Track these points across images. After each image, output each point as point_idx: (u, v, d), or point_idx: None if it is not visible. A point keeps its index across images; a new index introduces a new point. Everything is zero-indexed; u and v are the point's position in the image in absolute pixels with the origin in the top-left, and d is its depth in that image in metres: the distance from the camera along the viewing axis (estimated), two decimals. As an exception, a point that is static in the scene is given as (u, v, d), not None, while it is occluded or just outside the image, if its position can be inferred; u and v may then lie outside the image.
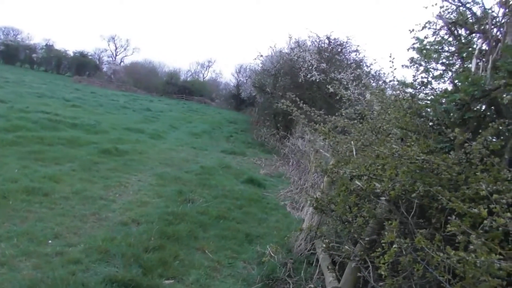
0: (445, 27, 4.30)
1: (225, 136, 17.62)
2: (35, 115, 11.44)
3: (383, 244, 2.42)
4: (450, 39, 4.56)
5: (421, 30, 4.70)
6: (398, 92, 3.94)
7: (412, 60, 4.89)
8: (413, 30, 4.60)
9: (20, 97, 16.58)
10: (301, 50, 15.71)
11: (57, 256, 3.62)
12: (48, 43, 62.54)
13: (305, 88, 14.75)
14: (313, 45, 16.56)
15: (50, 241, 3.91)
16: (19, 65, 58.31)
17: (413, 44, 4.82)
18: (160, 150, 10.58)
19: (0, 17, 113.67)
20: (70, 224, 4.45)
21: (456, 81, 3.09)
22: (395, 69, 3.77)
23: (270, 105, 17.75)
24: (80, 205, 5.10)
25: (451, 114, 2.90)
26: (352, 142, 3.32)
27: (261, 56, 17.97)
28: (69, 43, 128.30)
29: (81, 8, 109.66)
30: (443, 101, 3.01)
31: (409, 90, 4.78)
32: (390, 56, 3.66)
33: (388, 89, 8.15)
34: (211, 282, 3.75)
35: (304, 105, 3.93)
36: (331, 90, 14.01)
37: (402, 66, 5.03)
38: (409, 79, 5.27)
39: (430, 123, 3.15)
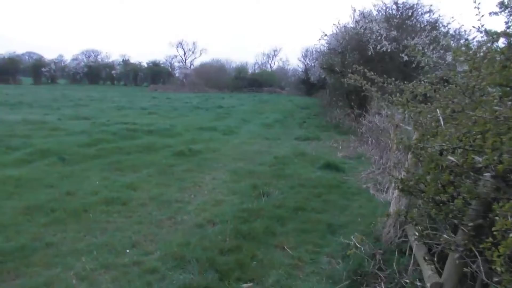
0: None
1: (298, 123, 17.23)
2: (115, 126, 12.08)
3: (494, 232, 1.91)
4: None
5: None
6: (489, 44, 3.27)
7: (502, 4, 4.07)
8: (499, -34, 3.80)
9: (102, 112, 17.74)
10: (367, 21, 14.69)
11: (134, 266, 3.58)
12: (124, 59, 67.02)
13: (376, 61, 13.77)
14: (380, 13, 15.44)
15: (128, 251, 3.91)
16: (102, 83, 63.33)
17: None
18: (233, 145, 10.53)
19: (82, 41, 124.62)
20: (147, 231, 4.45)
21: None
22: (482, 16, 3.09)
23: (341, 85, 16.87)
24: (157, 211, 5.12)
25: None
26: (438, 110, 2.77)
27: (325, 35, 17.15)
28: (142, 55, 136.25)
29: (149, 20, 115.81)
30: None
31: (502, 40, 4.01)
32: (475, 2, 3.00)
33: (473, 45, 7.13)
34: (292, 282, 3.46)
35: (374, 75, 3.42)
36: (406, 58, 12.98)
37: (490, 13, 4.21)
38: (500, 29, 4.45)
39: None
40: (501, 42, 4.06)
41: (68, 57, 65.27)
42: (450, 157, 2.52)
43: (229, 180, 6.80)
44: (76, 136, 10.15)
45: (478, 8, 3.07)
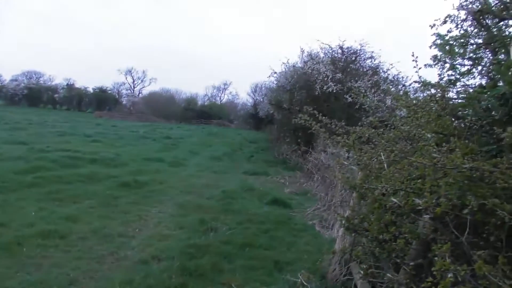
0: (470, 18, 3.93)
1: (246, 157, 17.38)
2: (55, 154, 11.44)
3: (433, 272, 2.04)
4: (475, 30, 4.18)
5: (442, 24, 4.34)
6: (425, 93, 3.58)
7: (435, 58, 4.52)
8: (433, 25, 4.24)
9: (42, 137, 16.81)
10: (315, 63, 15.47)
11: (71, 306, 3.35)
12: (68, 83, 64.68)
13: (322, 100, 14.43)
14: (326, 56, 16.33)
15: (65, 290, 3.65)
16: (42, 106, 60.30)
17: (435, 41, 4.46)
18: (180, 178, 10.36)
19: (23, 62, 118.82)
20: (87, 267, 4.19)
21: (493, 73, 2.71)
22: (419, 68, 3.40)
23: (288, 121, 17.43)
24: (98, 245, 4.85)
25: (494, 111, 2.52)
26: (381, 153, 2.96)
27: (275, 73, 17.85)
28: (88, 80, 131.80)
29: (98, 45, 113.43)
30: (483, 98, 2.63)
31: (434, 90, 4.41)
32: (413, 55, 3.31)
33: (410, 92, 7.73)
34: (240, 322, 3.39)
35: (324, 117, 3.60)
36: (350, 99, 13.73)
37: (425, 65, 4.66)
38: (433, 79, 4.90)
39: (468, 124, 2.77)
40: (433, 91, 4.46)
41: (6, 77, 61.80)
42: (393, 199, 2.68)
43: (176, 214, 6.64)
44: (11, 162, 9.48)
45: (416, 61, 3.38)
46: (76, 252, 4.58)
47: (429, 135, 2.84)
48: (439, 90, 3.69)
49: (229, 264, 4.61)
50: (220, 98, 75.01)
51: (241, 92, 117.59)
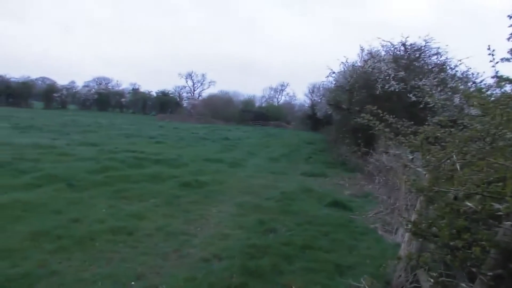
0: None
1: (304, 158, 17.23)
2: (123, 154, 12.13)
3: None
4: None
5: (522, 14, 3.96)
6: (502, 90, 3.31)
7: (513, 51, 4.13)
8: (511, 16, 3.89)
9: (110, 139, 17.91)
10: (375, 61, 14.97)
11: (139, 300, 3.50)
12: (134, 87, 68.31)
13: (383, 100, 13.87)
14: (388, 54, 15.70)
15: (133, 283, 3.84)
16: (111, 110, 64.26)
17: (513, 32, 4.09)
18: (239, 178, 10.50)
19: (94, 68, 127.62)
20: (153, 263, 4.38)
21: None
22: (497, 62, 3.13)
23: (347, 122, 17.04)
24: (163, 242, 5.05)
25: None
26: (454, 154, 2.77)
27: (333, 72, 17.51)
28: (152, 85, 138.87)
29: (160, 50, 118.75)
30: None
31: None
32: (489, 48, 3.06)
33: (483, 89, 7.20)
34: (301, 325, 3.34)
35: (389, 116, 3.45)
36: (413, 98, 13.11)
37: (502, 59, 4.28)
38: (510, 74, 4.51)
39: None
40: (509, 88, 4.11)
41: (79, 84, 66.70)
42: (467, 203, 2.49)
43: (235, 214, 6.74)
44: (84, 162, 10.19)
45: (493, 55, 3.13)
46: (142, 248, 4.79)
47: (509, 134, 2.61)
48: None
49: (289, 265, 4.58)
50: (277, 99, 75.23)
51: (299, 93, 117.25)
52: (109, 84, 69.48)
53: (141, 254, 4.58)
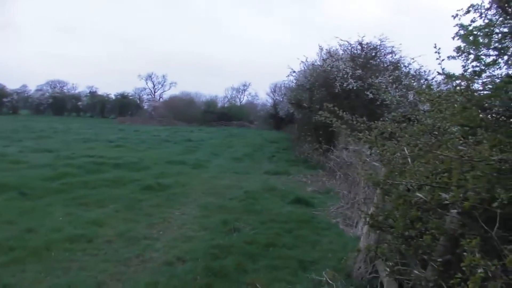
0: (495, 6, 3.81)
1: (267, 157, 17.36)
2: (80, 160, 11.73)
3: (462, 268, 1.98)
4: (501, 19, 4.04)
5: (465, 14, 4.21)
6: (449, 86, 3.49)
7: (459, 49, 4.39)
8: (456, 15, 4.13)
9: (67, 145, 17.23)
10: (334, 60, 15.30)
11: (99, 308, 3.41)
12: (91, 90, 66.10)
13: (342, 98, 14.25)
14: (346, 53, 16.12)
15: (93, 292, 3.72)
16: (67, 114, 61.89)
17: (458, 31, 4.34)
18: (202, 179, 10.44)
19: (47, 71, 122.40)
20: (114, 270, 4.27)
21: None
22: (442, 60, 3.31)
23: (309, 120, 17.35)
24: (124, 248, 4.94)
25: (522, 100, 2.43)
26: (405, 148, 2.89)
27: (294, 72, 17.75)
28: (110, 87, 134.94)
29: (116, 53, 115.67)
30: (510, 88, 2.54)
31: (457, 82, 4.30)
32: (435, 47, 3.23)
33: (433, 85, 7.54)
34: (265, 322, 3.38)
35: (345, 113, 3.55)
36: (371, 96, 13.54)
37: (448, 57, 4.53)
38: (457, 72, 4.77)
39: (496, 115, 2.68)
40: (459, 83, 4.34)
41: (32, 87, 63.68)
42: (418, 194, 2.62)
43: (199, 216, 6.69)
44: (38, 170, 9.76)
45: (439, 53, 3.30)
46: (103, 255, 4.67)
47: (454, 128, 2.76)
48: (463, 81, 3.59)
49: (253, 264, 4.61)
50: (239, 99, 75.27)
51: (261, 92, 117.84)
52: (64, 87, 66.89)
53: (102, 262, 4.46)
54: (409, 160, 2.90)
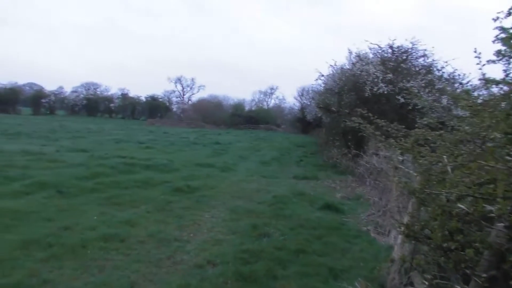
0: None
1: (295, 161, 17.28)
2: (113, 160, 12.02)
3: (510, 284, 1.88)
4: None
5: (506, 17, 4.03)
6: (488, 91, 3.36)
7: (499, 53, 4.20)
8: (497, 18, 3.96)
9: (100, 145, 17.74)
10: (364, 64, 15.08)
11: (133, 308, 3.45)
12: (123, 92, 67.90)
13: (372, 102, 14.00)
14: (376, 56, 15.85)
15: (126, 292, 3.78)
16: (99, 116, 63.78)
17: (498, 35, 4.16)
18: (231, 182, 10.48)
19: (82, 74, 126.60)
20: (146, 270, 4.33)
21: None
22: (483, 65, 3.18)
23: (337, 124, 17.13)
24: (155, 249, 5.00)
25: None
26: (444, 157, 2.79)
27: (322, 76, 17.58)
28: (141, 89, 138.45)
29: (149, 55, 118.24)
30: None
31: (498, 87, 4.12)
32: (475, 51, 3.11)
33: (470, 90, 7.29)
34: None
35: (379, 119, 3.47)
36: (402, 100, 13.23)
37: (488, 61, 4.34)
38: (496, 76, 4.58)
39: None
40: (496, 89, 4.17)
41: (68, 89, 66.13)
42: (459, 205, 2.52)
43: (228, 219, 6.71)
44: (74, 169, 10.06)
45: (479, 58, 3.17)
46: (135, 255, 4.74)
47: (498, 135, 2.64)
48: (506, 86, 3.45)
49: (283, 270, 4.57)
50: (267, 103, 75.32)
51: (288, 96, 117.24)
52: (97, 89, 68.99)
53: (134, 262, 4.53)
54: (449, 169, 2.79)
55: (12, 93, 57.55)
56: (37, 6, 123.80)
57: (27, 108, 58.56)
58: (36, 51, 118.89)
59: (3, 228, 5.23)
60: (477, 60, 3.59)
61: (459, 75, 13.46)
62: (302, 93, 50.13)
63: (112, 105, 65.40)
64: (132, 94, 68.55)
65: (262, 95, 75.35)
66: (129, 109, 66.69)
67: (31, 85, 66.19)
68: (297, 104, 52.74)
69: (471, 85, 11.42)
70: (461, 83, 13.04)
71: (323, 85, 19.53)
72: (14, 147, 14.01)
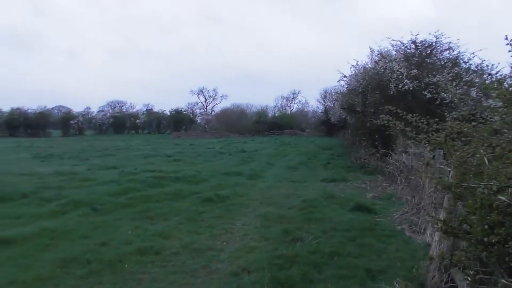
0: None
1: (322, 164, 17.13)
2: (142, 175, 12.24)
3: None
4: None
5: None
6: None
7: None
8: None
9: (129, 161, 18.12)
10: (387, 61, 14.87)
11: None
12: (147, 108, 69.45)
13: (398, 100, 13.73)
14: (399, 53, 15.59)
15: (165, 302, 3.83)
16: (126, 132, 65.30)
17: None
18: (259, 189, 10.48)
19: (107, 92, 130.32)
20: (183, 281, 4.37)
21: None
22: (513, 52, 3.08)
23: (363, 124, 16.92)
24: (190, 259, 5.05)
25: None
26: (480, 148, 2.71)
27: (345, 76, 17.43)
28: (165, 104, 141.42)
29: (169, 70, 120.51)
30: None
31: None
32: (507, 38, 3.02)
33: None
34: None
35: (410, 115, 3.41)
36: (429, 95, 12.94)
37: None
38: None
39: None
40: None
41: (94, 109, 68.29)
42: (500, 197, 2.44)
43: (259, 226, 6.71)
44: (106, 186, 10.31)
45: (511, 45, 3.08)
46: (171, 267, 4.80)
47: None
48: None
49: (319, 274, 4.52)
50: (290, 107, 75.36)
51: (311, 99, 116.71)
52: (123, 107, 71.02)
53: (171, 273, 4.59)
54: (486, 161, 2.71)
55: (41, 117, 59.75)
56: (59, 31, 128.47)
57: (57, 131, 60.57)
58: (62, 74, 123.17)
59: (42, 247, 5.39)
60: (508, 48, 3.46)
61: (487, 66, 13.05)
62: (325, 95, 49.95)
63: (138, 121, 66.91)
64: (156, 109, 70.13)
65: (284, 100, 75.54)
66: (155, 124, 68.00)
67: (59, 108, 68.57)
68: (321, 106, 52.57)
69: (501, 75, 11.04)
70: (490, 74, 12.63)
71: (346, 85, 19.36)
72: (47, 169, 14.48)
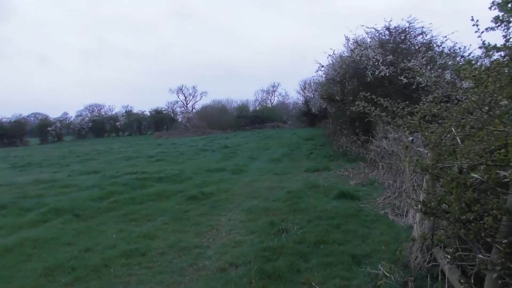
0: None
1: (305, 155, 17.25)
2: (124, 177, 12.09)
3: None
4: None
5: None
6: (491, 59, 3.32)
7: (497, 19, 4.17)
8: (489, -16, 3.93)
9: (110, 164, 17.85)
10: (362, 49, 15.00)
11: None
12: (127, 109, 68.45)
13: (376, 86, 13.90)
14: (373, 40, 15.76)
15: (153, 303, 3.81)
16: (107, 136, 64.26)
17: (494, 0, 4.13)
18: (243, 184, 10.49)
19: (84, 96, 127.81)
20: (170, 280, 4.35)
21: None
22: (482, 32, 3.14)
23: (343, 113, 17.05)
24: (177, 258, 5.01)
25: None
26: (453, 128, 2.77)
27: (322, 66, 17.50)
28: (144, 104, 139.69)
29: (146, 70, 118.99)
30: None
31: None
32: (473, 19, 3.07)
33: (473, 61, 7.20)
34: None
35: (384, 100, 3.45)
36: (405, 80, 13.14)
37: (487, 29, 4.31)
38: (497, 43, 4.52)
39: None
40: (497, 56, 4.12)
41: (72, 114, 66.90)
42: (473, 174, 2.49)
43: (245, 220, 6.72)
44: (87, 191, 10.13)
45: (477, 25, 3.14)
46: (157, 267, 4.76)
47: (505, 101, 2.61)
48: (507, 51, 3.41)
49: (306, 263, 4.56)
50: (270, 101, 75.47)
51: (291, 91, 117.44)
52: (101, 110, 69.79)
53: (158, 273, 4.55)
54: (458, 140, 2.77)
55: (17, 126, 58.16)
56: (29, 35, 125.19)
57: (34, 139, 59.10)
58: (36, 80, 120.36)
59: (25, 257, 5.25)
60: (475, 29, 3.53)
61: (459, 48, 13.34)
62: (305, 86, 50.21)
63: (117, 123, 65.84)
64: (136, 110, 69.23)
65: (265, 94, 75.60)
66: (135, 125, 67.11)
67: (35, 115, 67.02)
68: (301, 98, 52.76)
69: (473, 56, 11.30)
70: (462, 56, 12.91)
71: (324, 75, 19.46)
72: (26, 178, 14.12)
